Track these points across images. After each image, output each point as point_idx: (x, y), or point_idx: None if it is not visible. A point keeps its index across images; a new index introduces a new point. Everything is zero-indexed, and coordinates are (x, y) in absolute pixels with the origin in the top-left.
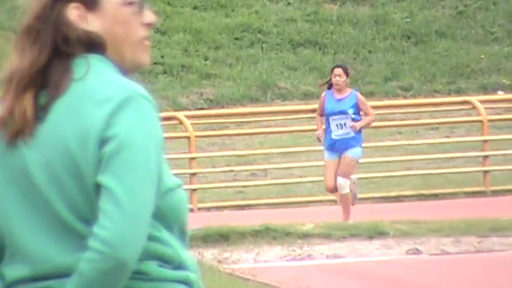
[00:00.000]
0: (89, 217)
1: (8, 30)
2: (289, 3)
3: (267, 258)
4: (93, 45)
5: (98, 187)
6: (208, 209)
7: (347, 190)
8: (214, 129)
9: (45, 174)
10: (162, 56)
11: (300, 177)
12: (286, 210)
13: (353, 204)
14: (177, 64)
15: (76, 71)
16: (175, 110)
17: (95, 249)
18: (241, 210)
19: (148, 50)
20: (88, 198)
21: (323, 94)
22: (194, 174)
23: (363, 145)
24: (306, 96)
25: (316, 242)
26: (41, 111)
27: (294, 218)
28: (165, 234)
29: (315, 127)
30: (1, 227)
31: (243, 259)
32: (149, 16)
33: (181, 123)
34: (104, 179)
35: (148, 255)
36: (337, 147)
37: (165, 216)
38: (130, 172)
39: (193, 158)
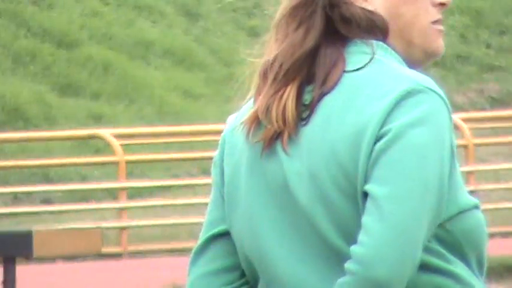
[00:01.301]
0: None
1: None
2: None
3: None
4: (374, 29)
5: (365, 198)
6: (492, 235)
7: None
8: (499, 136)
9: (309, 188)
10: None
11: None
12: None
13: None
14: (451, 54)
15: (350, 60)
16: None
17: (348, 270)
18: None
19: (441, 36)
20: (360, 218)
21: None
22: (473, 191)
23: None
24: None
25: None
26: (304, 111)
27: None
28: (460, 268)
29: None
30: (251, 248)
31: None
32: None
33: (457, 127)
34: (368, 184)
35: None
36: None
37: (458, 244)
38: (399, 174)
39: (471, 172)
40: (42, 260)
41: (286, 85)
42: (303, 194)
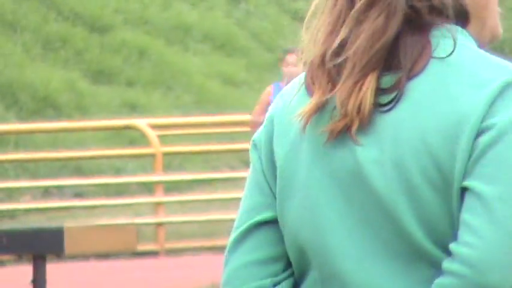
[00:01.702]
0: (450, 240)
1: None
2: None
3: None
4: (460, 15)
5: (463, 194)
6: None
7: None
8: None
9: (391, 178)
10: None
11: None
12: None
13: None
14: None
15: (436, 46)
16: None
17: (451, 271)
18: None
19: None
20: (451, 214)
21: (269, 88)
22: None
23: None
24: None
25: None
26: (383, 96)
27: None
28: None
29: None
30: (309, 241)
31: None
32: None
33: None
34: (471, 180)
35: None
36: None
37: None
38: (509, 173)
39: None
40: (74, 257)
41: (365, 76)
42: (382, 183)
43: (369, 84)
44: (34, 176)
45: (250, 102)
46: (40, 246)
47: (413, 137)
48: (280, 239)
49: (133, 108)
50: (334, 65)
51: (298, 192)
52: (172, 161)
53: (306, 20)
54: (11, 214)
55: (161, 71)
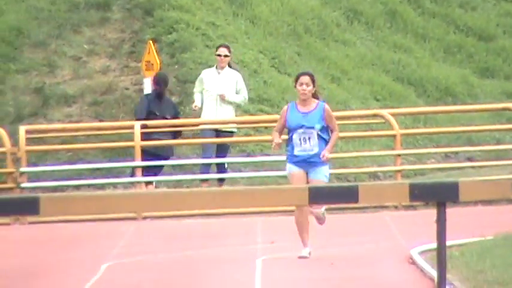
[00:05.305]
0: None
1: None
2: None
3: None
4: None
5: None
6: None
7: (322, 210)
8: None
9: None
10: None
11: None
12: None
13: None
14: None
15: None
16: None
17: None
18: None
19: None
20: None
21: (285, 107)
22: None
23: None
24: None
25: None
26: None
27: None
28: None
29: None
30: None
31: None
32: None
33: None
34: None
35: None
36: (301, 162)
37: None
38: None
39: None
40: (466, 203)
41: None
42: None
43: None
44: (437, 144)
45: None
46: (441, 195)
47: None
48: None
49: (509, 96)
50: None
51: None
52: None
53: None
54: (421, 172)
55: None
